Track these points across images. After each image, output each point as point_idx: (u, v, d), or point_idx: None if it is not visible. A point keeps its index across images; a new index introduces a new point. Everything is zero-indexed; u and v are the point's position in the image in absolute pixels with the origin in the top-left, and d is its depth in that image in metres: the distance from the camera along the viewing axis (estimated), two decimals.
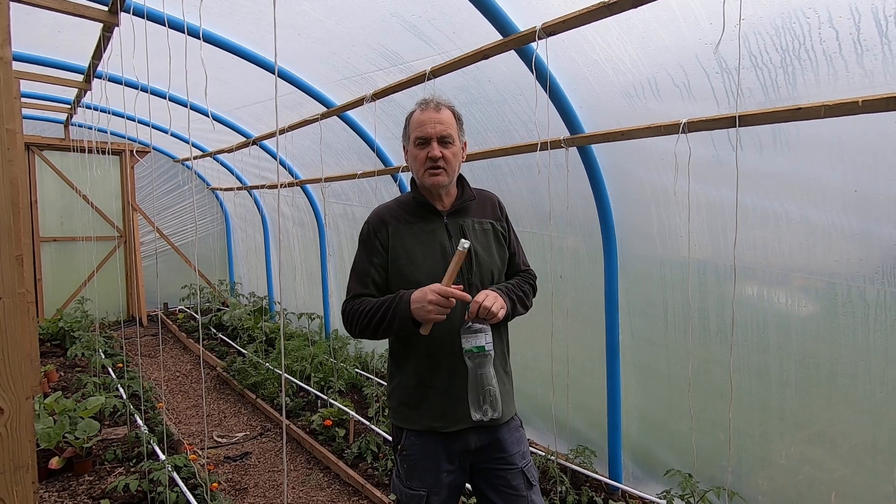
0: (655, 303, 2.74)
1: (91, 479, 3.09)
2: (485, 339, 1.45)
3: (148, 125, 5.35)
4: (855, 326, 2.06)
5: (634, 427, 2.86)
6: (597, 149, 2.68)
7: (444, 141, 1.59)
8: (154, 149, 7.20)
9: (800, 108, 1.75)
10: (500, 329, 1.66)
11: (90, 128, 4.84)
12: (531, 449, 3.02)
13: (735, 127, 1.84)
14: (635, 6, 1.76)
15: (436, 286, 1.45)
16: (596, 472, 2.83)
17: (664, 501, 2.32)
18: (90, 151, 5.12)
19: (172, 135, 5.71)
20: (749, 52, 1.92)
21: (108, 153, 5.46)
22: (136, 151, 6.84)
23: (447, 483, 1.59)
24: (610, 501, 2.64)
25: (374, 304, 1.55)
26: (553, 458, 2.74)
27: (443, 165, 1.58)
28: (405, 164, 3.70)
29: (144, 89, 3.22)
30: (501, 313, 1.51)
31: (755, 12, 1.84)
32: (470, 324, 1.47)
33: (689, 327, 2.57)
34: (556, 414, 3.07)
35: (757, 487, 2.41)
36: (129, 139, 6.55)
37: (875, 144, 1.87)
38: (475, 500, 1.70)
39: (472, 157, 3.07)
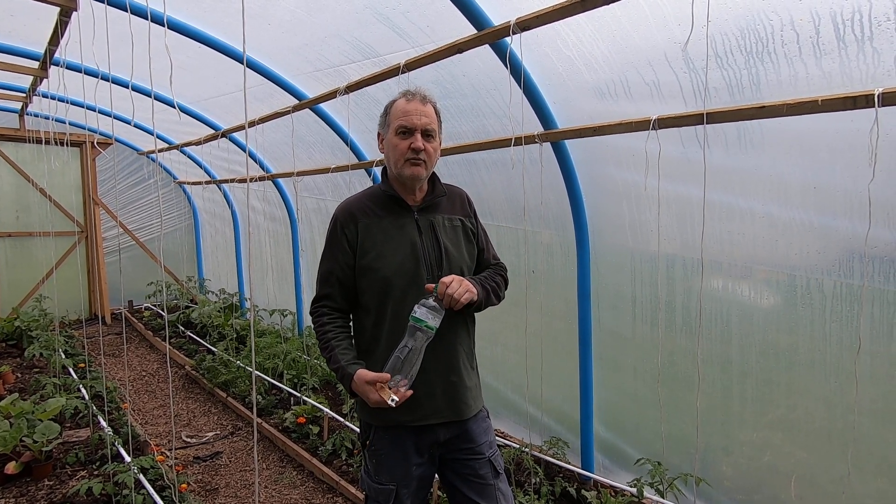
0: (625, 296, 2.80)
1: (51, 483, 2.97)
2: (434, 320, 1.45)
3: (110, 115, 5.16)
4: (812, 317, 2.15)
5: (603, 419, 2.92)
6: (570, 145, 2.71)
7: (427, 134, 1.58)
8: (117, 140, 6.93)
9: (764, 107, 1.81)
10: (467, 324, 1.67)
11: (47, 118, 4.62)
12: (506, 442, 3.06)
13: (703, 124, 1.89)
14: (607, 3, 1.78)
15: (367, 378, 1.44)
16: (569, 463, 2.88)
17: (634, 489, 2.38)
18: (47, 142, 4.89)
19: (136, 125, 5.52)
20: (715, 52, 1.97)
21: (67, 144, 5.22)
22: (98, 143, 6.57)
23: (416, 476, 1.59)
24: (583, 491, 2.70)
25: (329, 344, 1.57)
26: (527, 450, 2.78)
27: (424, 158, 1.57)
28: (379, 159, 3.67)
29: (105, 77, 3.10)
30: (466, 298, 1.50)
31: (721, 14, 1.89)
32: (431, 298, 1.47)
33: (658, 320, 2.63)
34: (529, 407, 3.11)
35: (721, 473, 2.50)
36: (89, 130, 6.30)
37: (833, 142, 1.95)
38: (444, 492, 1.71)
39: (446, 152, 3.06)
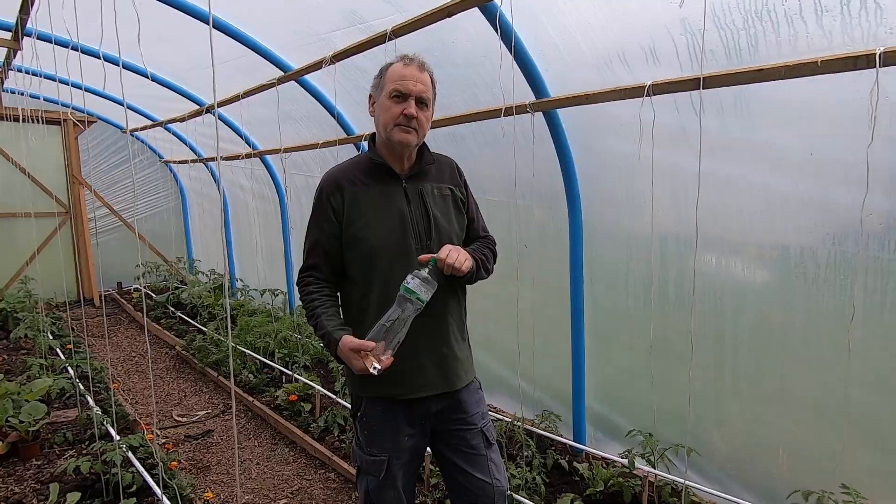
0: (617, 270, 2.77)
1: (39, 463, 2.95)
2: (425, 293, 1.41)
3: (88, 91, 4.99)
4: (807, 290, 2.13)
5: (595, 393, 2.92)
6: (563, 116, 2.64)
7: (420, 102, 1.52)
8: (99, 118, 6.74)
9: (761, 70, 1.76)
10: (458, 295, 1.64)
11: (23, 94, 4.46)
12: (498, 416, 3.06)
13: (699, 89, 1.83)
14: None
15: (352, 345, 1.41)
16: (561, 436, 2.89)
17: (626, 460, 2.39)
18: (24, 120, 4.74)
19: (110, 98, 5.33)
20: (713, 12, 1.90)
21: (42, 122, 5.06)
22: (80, 121, 6.39)
23: (408, 447, 1.57)
24: (574, 463, 2.71)
25: (315, 311, 1.53)
26: (519, 423, 2.78)
27: (415, 126, 1.52)
28: (368, 133, 3.58)
29: (75, 48, 2.96)
30: (467, 265, 1.49)
31: None
32: (425, 270, 1.43)
33: (651, 294, 2.61)
34: (521, 382, 3.10)
35: (713, 446, 2.51)
36: (73, 108, 6.11)
37: (832, 109, 1.90)
38: (435, 462, 1.70)
39: (436, 124, 2.98)
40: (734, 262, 2.38)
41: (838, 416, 2.13)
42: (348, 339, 1.44)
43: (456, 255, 1.46)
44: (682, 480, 2.25)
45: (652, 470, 2.35)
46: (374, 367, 1.38)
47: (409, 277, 1.43)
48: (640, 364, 2.70)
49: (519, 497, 2.21)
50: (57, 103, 4.40)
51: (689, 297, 2.50)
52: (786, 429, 2.28)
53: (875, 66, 1.56)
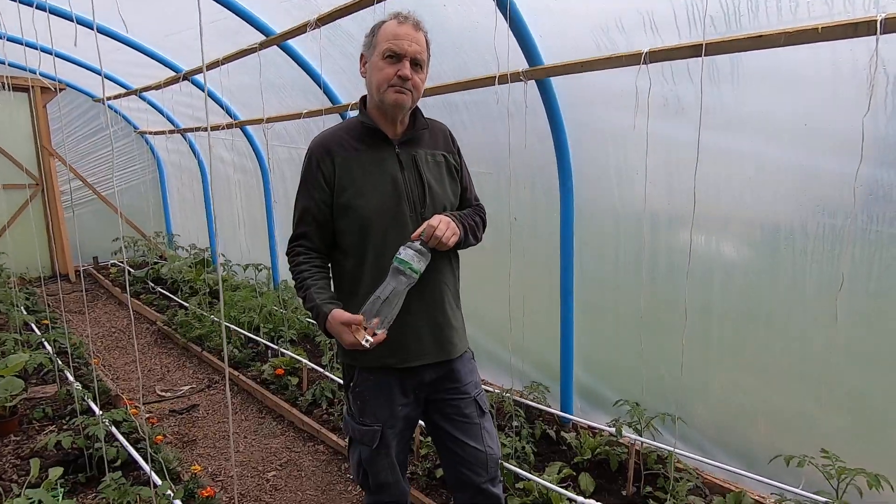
0: (607, 242, 2.77)
1: (18, 438, 2.88)
2: (419, 264, 1.39)
3: (59, 57, 4.74)
4: (794, 260, 2.15)
5: (583, 364, 2.95)
6: (556, 86, 2.59)
7: (415, 63, 1.46)
8: (68, 85, 6.43)
9: (761, 36, 1.73)
10: (451, 262, 1.61)
11: None
12: (487, 388, 3.08)
13: (700, 56, 1.79)
14: None
15: (343, 319, 1.38)
16: (549, 407, 2.93)
17: (613, 429, 2.43)
18: None
19: (82, 65, 5.08)
20: None
21: (9, 88, 4.80)
22: (48, 88, 6.08)
23: (402, 416, 1.56)
24: (562, 432, 2.75)
25: (304, 283, 1.48)
26: (508, 394, 2.80)
27: (410, 88, 1.45)
28: (355, 102, 3.47)
29: (42, 7, 2.78)
30: (453, 240, 1.46)
31: None
32: (417, 242, 1.40)
33: (641, 265, 2.62)
34: (511, 353, 3.12)
35: (695, 413, 2.56)
36: (40, 73, 5.80)
37: (828, 79, 1.89)
38: (427, 432, 1.70)
39: (426, 92, 2.90)
40: (723, 232, 2.39)
41: (819, 384, 2.18)
42: (339, 313, 1.40)
43: (445, 228, 1.43)
44: (667, 448, 2.30)
45: (638, 438, 2.40)
46: (367, 340, 1.36)
47: (402, 249, 1.40)
48: (627, 335, 2.72)
49: (508, 465, 2.24)
50: (24, 69, 4.16)
51: (677, 269, 2.51)
52: (768, 397, 2.34)
53: (875, 34, 1.54)
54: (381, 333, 1.38)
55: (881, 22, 1.53)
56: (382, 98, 1.46)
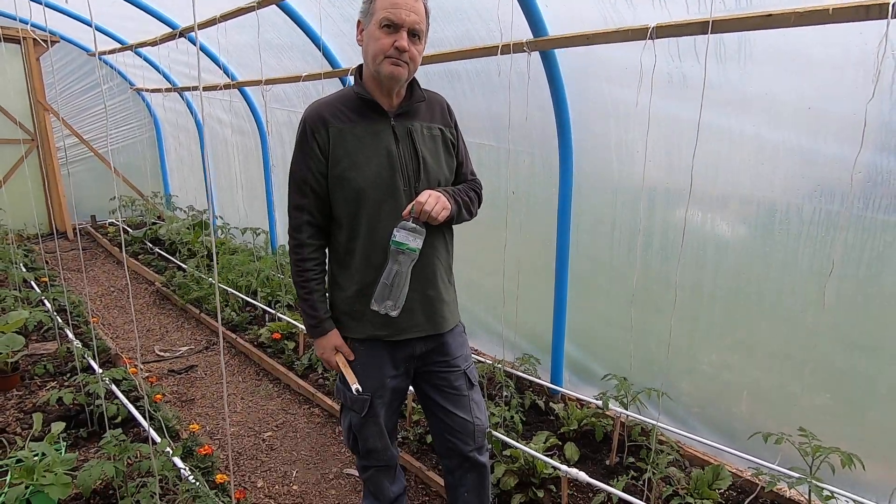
0: (603, 219, 2.77)
1: (21, 393, 2.95)
2: (415, 241, 1.41)
3: (49, 7, 4.60)
4: (787, 243, 2.17)
5: (574, 339, 3.00)
6: (560, 59, 2.53)
7: (413, 34, 1.42)
8: (62, 38, 6.26)
9: (771, 15, 1.69)
10: (444, 236, 1.62)
11: None
12: (479, 359, 3.14)
13: (707, 33, 1.76)
14: None
15: (338, 343, 1.58)
16: (539, 379, 3.00)
17: (600, 402, 2.50)
18: None
19: (73, 16, 4.92)
20: None
21: (0, 39, 4.67)
22: (42, 40, 5.92)
23: (391, 387, 1.61)
24: (551, 403, 2.82)
25: (308, 285, 1.54)
26: (500, 366, 2.86)
27: (407, 60, 1.42)
28: (356, 66, 3.40)
29: None
30: (443, 215, 1.47)
31: None
32: (408, 220, 1.42)
33: (636, 243, 2.63)
34: (503, 325, 3.16)
35: (681, 389, 2.63)
36: (32, 25, 5.63)
37: (838, 61, 1.85)
38: (419, 400, 1.77)
39: (426, 60, 2.84)
40: (719, 213, 2.39)
41: (803, 365, 2.23)
42: (337, 338, 1.56)
43: (434, 203, 1.43)
44: (651, 421, 2.37)
45: (624, 411, 2.47)
46: (356, 389, 1.52)
47: (395, 231, 1.42)
48: (619, 312, 2.76)
49: (497, 434, 2.31)
50: (14, 19, 4.04)
51: (671, 248, 2.53)
52: (751, 376, 2.39)
53: (887, 16, 1.51)
54: (395, 314, 1.46)
55: (893, 5, 1.49)
56: (378, 69, 1.43)
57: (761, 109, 2.10)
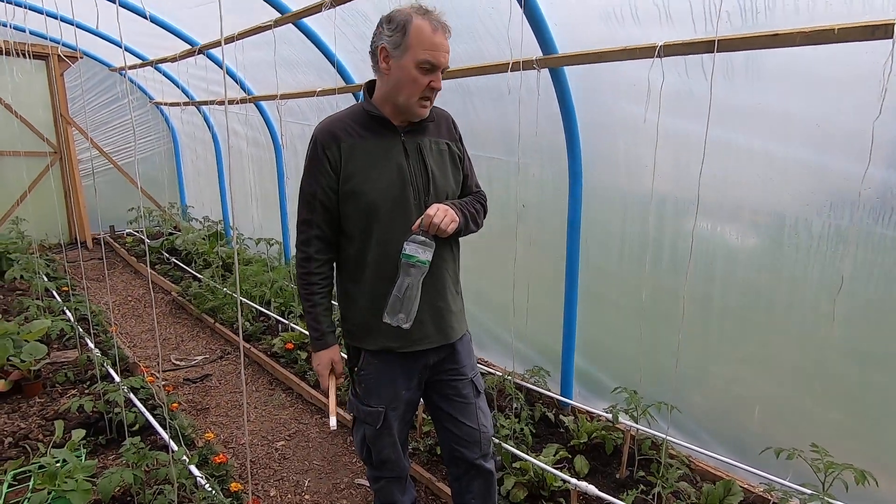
0: (613, 232, 2.79)
1: (42, 400, 3.03)
2: (425, 254, 1.45)
3: (72, 24, 4.75)
4: (797, 258, 2.17)
5: (583, 351, 3.01)
6: (569, 75, 2.58)
7: (442, 70, 1.48)
8: (85, 54, 6.46)
9: (777, 35, 1.72)
10: (451, 248, 1.65)
11: (5, 25, 4.25)
12: (489, 370, 3.16)
13: (713, 52, 1.79)
14: None
15: (336, 360, 1.65)
16: (549, 391, 3.01)
17: (610, 415, 2.50)
18: (7, 53, 4.53)
19: (102, 37, 5.09)
20: None
21: (29, 56, 4.84)
22: (66, 56, 6.12)
23: (405, 399, 1.64)
24: (560, 416, 2.83)
25: (312, 298, 1.59)
26: (510, 377, 2.88)
27: (433, 97, 1.50)
28: (366, 82, 3.47)
29: None
30: (452, 227, 1.50)
31: None
32: (418, 234, 1.46)
33: (645, 257, 2.65)
34: (513, 339, 3.18)
35: (693, 402, 2.62)
36: (61, 44, 5.82)
37: (847, 79, 1.87)
38: (427, 410, 1.80)
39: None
40: (729, 227, 2.40)
41: (815, 380, 2.22)
42: (336, 354, 1.62)
43: (443, 216, 1.47)
44: (661, 435, 2.37)
45: (634, 424, 2.47)
46: (335, 421, 1.56)
47: (406, 244, 1.45)
48: (628, 324, 2.77)
49: (507, 446, 2.33)
50: (45, 38, 4.20)
51: (680, 261, 2.54)
52: (762, 390, 2.39)
53: (892, 37, 1.53)
54: (407, 326, 1.49)
55: None
56: (408, 104, 1.48)
57: (770, 126, 2.12)
